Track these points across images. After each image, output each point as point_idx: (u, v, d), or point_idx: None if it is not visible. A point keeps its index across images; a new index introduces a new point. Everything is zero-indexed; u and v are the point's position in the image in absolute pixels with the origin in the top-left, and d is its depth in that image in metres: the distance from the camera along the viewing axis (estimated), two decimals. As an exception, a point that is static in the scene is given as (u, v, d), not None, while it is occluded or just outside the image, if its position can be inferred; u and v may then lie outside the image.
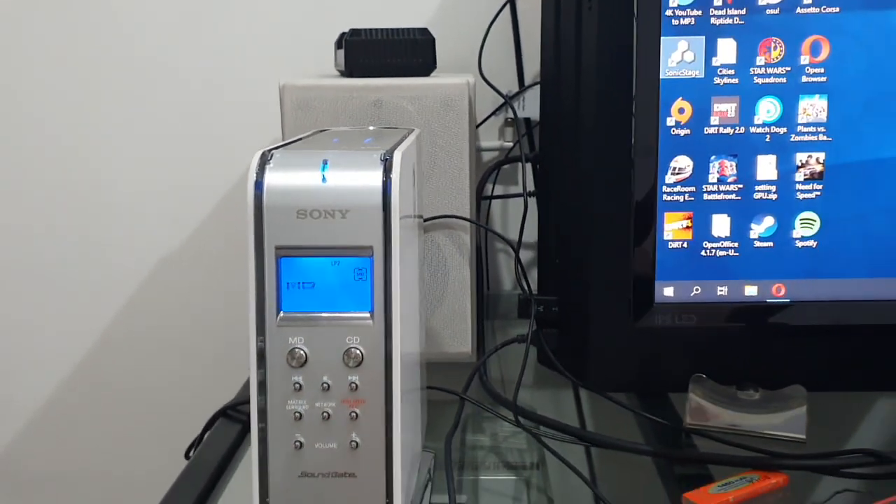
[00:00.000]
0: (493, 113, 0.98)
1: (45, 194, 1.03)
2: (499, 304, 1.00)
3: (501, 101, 0.95)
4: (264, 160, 0.46)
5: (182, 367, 1.07)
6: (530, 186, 0.92)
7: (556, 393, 0.74)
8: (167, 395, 1.08)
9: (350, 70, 0.75)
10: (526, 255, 0.99)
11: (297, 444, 0.46)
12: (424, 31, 0.76)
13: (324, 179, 0.45)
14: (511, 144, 0.98)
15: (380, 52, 0.75)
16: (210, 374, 1.07)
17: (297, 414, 0.46)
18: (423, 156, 0.72)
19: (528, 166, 0.94)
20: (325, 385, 0.45)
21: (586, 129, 0.67)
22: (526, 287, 0.78)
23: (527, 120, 0.95)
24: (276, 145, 0.48)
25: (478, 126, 0.98)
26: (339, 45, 0.77)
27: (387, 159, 0.45)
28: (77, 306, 1.06)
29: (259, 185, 0.45)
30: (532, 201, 0.87)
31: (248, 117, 1.01)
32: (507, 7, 0.95)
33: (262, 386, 0.46)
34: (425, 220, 0.73)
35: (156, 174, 1.03)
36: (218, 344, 1.06)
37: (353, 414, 0.45)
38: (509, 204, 1.03)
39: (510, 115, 0.97)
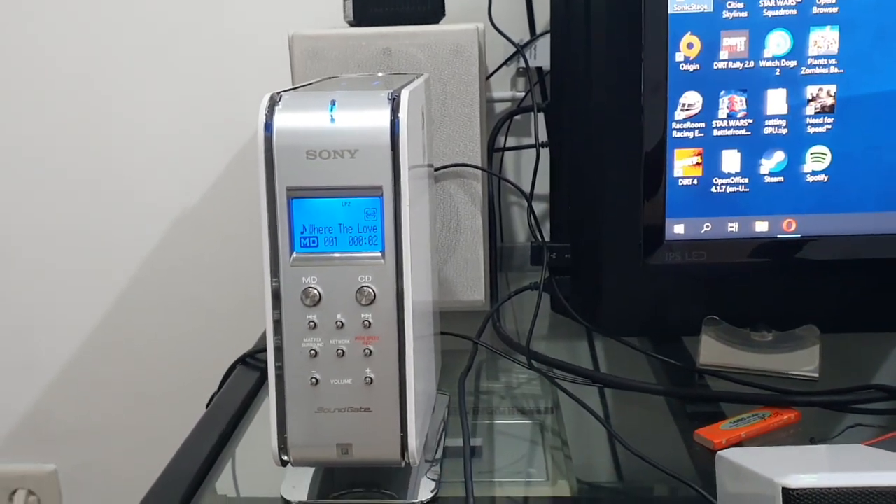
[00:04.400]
0: (505, 62, 0.97)
1: (62, 159, 1.04)
2: (513, 256, 1.01)
3: (513, 50, 0.95)
4: (273, 102, 0.46)
5: (203, 321, 1.09)
6: (543, 137, 0.91)
7: (570, 341, 0.75)
8: (188, 349, 1.10)
9: (359, 19, 0.75)
10: (539, 208, 0.99)
11: (313, 380, 0.47)
12: (432, -22, 0.75)
13: (332, 120, 0.45)
14: (523, 94, 0.98)
15: (388, 1, 0.74)
16: (230, 327, 1.09)
17: (313, 351, 0.47)
18: (434, 103, 0.72)
19: (541, 116, 0.94)
20: (338, 323, 0.46)
21: (597, 72, 0.67)
22: (538, 235, 0.78)
23: (539, 69, 0.95)
24: (285, 89, 0.49)
25: (489, 76, 0.98)
26: (347, -6, 0.77)
27: (394, 98, 0.46)
28: (97, 264, 1.08)
29: (269, 126, 0.46)
30: (545, 152, 0.87)
31: (259, 69, 1.01)
32: (517, -46, 0.94)
33: (277, 325, 0.47)
34: (437, 169, 0.74)
35: (169, 129, 1.03)
36: (238, 297, 1.07)
37: (367, 351, 0.46)
38: (522, 156, 1.03)
39: (522, 64, 0.97)
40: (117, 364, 1.11)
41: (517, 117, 0.98)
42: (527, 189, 0.83)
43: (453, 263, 0.76)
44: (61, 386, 1.13)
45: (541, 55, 0.94)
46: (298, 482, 0.52)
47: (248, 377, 0.70)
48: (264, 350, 0.71)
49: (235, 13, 0.99)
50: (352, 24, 0.77)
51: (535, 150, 0.84)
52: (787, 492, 0.35)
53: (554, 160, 0.78)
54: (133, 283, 1.09)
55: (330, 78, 0.60)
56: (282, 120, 0.46)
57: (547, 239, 0.78)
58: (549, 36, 0.78)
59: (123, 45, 1.01)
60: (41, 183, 1.05)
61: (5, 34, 1.01)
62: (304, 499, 0.51)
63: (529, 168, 1.00)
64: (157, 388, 1.12)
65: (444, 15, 0.76)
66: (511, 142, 1.01)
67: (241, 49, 1.00)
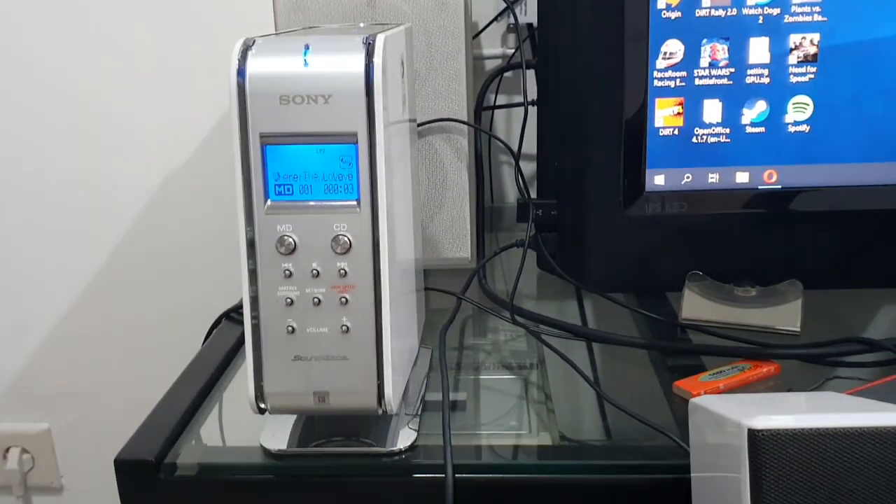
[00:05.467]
0: (495, 19, 0.96)
1: (47, 113, 1.04)
2: (502, 216, 1.01)
3: (503, 6, 0.93)
4: (246, 47, 0.46)
5: (192, 278, 1.09)
6: (533, 94, 0.90)
7: (557, 297, 0.75)
8: (177, 308, 1.10)
9: (343, -29, 0.73)
10: (528, 167, 0.99)
11: (289, 328, 0.47)
12: (417, -71, 0.74)
13: (305, 64, 0.45)
14: (513, 51, 0.97)
15: (372, -48, 0.73)
16: (217, 286, 1.08)
17: (289, 300, 0.47)
18: (419, 56, 0.71)
19: (531, 73, 0.93)
20: (314, 271, 0.46)
21: (581, 25, 0.66)
22: (525, 192, 0.78)
23: (529, 25, 0.93)
24: (260, 35, 0.48)
25: (479, 33, 0.96)
26: (331, -55, 0.76)
27: (370, 43, 0.45)
28: (86, 222, 1.08)
29: (241, 72, 0.45)
30: (533, 111, 0.86)
31: (242, 24, 0.99)
32: None
33: (252, 275, 0.47)
34: (421, 125, 0.73)
35: (151, 90, 1.02)
36: (223, 255, 1.07)
37: (343, 299, 0.46)
38: (512, 114, 1.02)
39: (512, 20, 0.95)
40: (108, 323, 1.12)
41: (507, 74, 0.97)
42: (515, 147, 0.82)
43: (439, 221, 0.76)
44: (53, 345, 1.13)
45: (531, 11, 0.93)
46: (278, 431, 0.53)
47: (231, 331, 0.70)
48: (246, 304, 0.72)
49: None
50: (336, -23, 0.76)
51: (523, 108, 0.83)
52: (752, 433, 0.35)
53: (541, 117, 0.77)
54: (122, 242, 1.09)
55: (310, 28, 0.60)
56: (255, 65, 0.45)
57: (534, 197, 0.78)
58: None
59: (104, 7, 0.99)
60: (25, 144, 1.05)
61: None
62: (284, 447, 0.51)
63: (519, 126, 0.99)
64: (148, 345, 1.12)
65: (429, -33, 0.75)
66: (501, 100, 1.00)
67: (226, 7, 0.99)
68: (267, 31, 0.97)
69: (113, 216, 1.07)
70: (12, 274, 1.10)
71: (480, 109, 0.94)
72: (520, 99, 1.00)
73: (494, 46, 0.99)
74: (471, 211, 0.76)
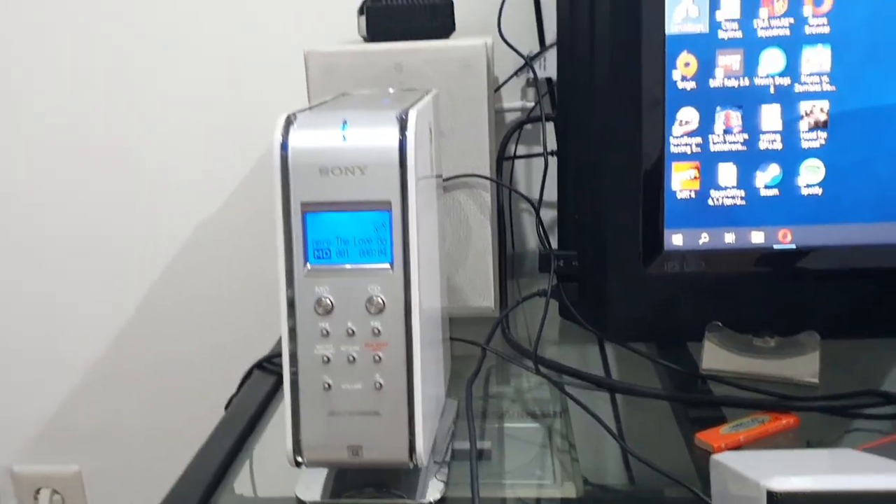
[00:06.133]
0: (515, 74, 0.99)
1: (88, 165, 1.08)
2: (523, 263, 1.02)
3: (522, 61, 0.97)
4: (289, 122, 0.49)
5: (222, 325, 1.12)
6: (552, 146, 0.93)
7: (579, 345, 0.77)
8: (207, 354, 1.13)
9: (372, 35, 0.77)
10: (549, 215, 1.01)
11: (325, 385, 0.49)
12: (443, -5, 0.77)
13: (344, 139, 0.48)
14: (532, 104, 1.00)
15: (400, 17, 0.77)
16: (247, 332, 1.11)
17: (325, 358, 0.49)
18: (443, 116, 0.74)
19: (550, 125, 0.96)
20: (349, 330, 0.49)
21: (600, 86, 0.68)
22: (546, 242, 0.80)
23: (548, 79, 0.96)
24: (300, 109, 0.51)
25: (499, 87, 1.00)
26: (360, 11, 0.80)
27: (402, 118, 0.48)
28: (121, 269, 1.11)
29: (284, 145, 0.48)
30: (553, 161, 0.89)
31: (276, 83, 1.03)
32: (526, -32, 0.96)
33: (292, 333, 0.50)
34: (446, 180, 0.76)
35: (188, 142, 1.06)
36: (256, 302, 1.10)
37: (377, 357, 0.49)
38: (532, 164, 1.05)
39: (531, 75, 0.99)
40: (140, 367, 1.14)
41: (527, 126, 1.00)
42: (536, 197, 0.84)
43: (464, 271, 0.78)
44: (85, 388, 1.16)
45: (550, 66, 0.96)
46: (312, 483, 0.54)
47: (264, 381, 0.72)
48: (280, 355, 0.74)
49: (255, 28, 1.02)
50: (365, 39, 0.80)
51: (543, 158, 0.86)
52: (771, 495, 0.36)
53: (561, 169, 0.80)
54: (155, 288, 1.11)
55: (343, 95, 0.63)
56: (296, 139, 0.48)
57: (555, 246, 0.80)
58: (557, 47, 0.80)
59: (146, 61, 1.04)
60: (67, 191, 1.09)
61: (41, 54, 1.04)
62: (318, 498, 0.53)
63: (539, 175, 1.02)
64: (179, 390, 1.15)
65: (454, 29, 0.78)
66: (521, 150, 1.03)
67: (259, 61, 1.03)
68: (298, 92, 1.01)
69: (149, 264, 1.11)
70: (48, 318, 1.13)
71: (501, 159, 0.97)
72: (538, 149, 1.03)
73: (514, 100, 1.02)
74: (494, 261, 0.78)
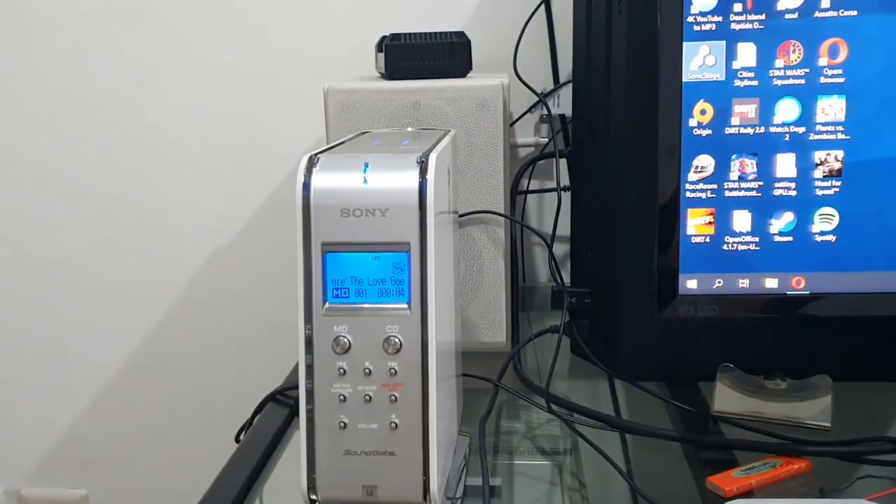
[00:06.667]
0: (529, 110, 1.00)
1: (104, 190, 1.09)
2: (535, 296, 1.03)
3: (536, 98, 0.98)
4: (311, 163, 0.49)
5: (232, 355, 1.12)
6: (565, 181, 0.94)
7: (591, 384, 0.77)
8: (218, 383, 1.13)
9: (390, 73, 0.78)
10: (561, 249, 1.02)
11: (341, 424, 0.49)
12: (461, 35, 0.79)
13: (365, 181, 0.48)
14: (546, 140, 1.01)
15: (418, 56, 0.78)
16: (258, 362, 1.12)
17: (342, 396, 0.49)
18: (459, 154, 0.75)
19: (563, 161, 0.97)
20: (366, 370, 0.49)
21: (615, 128, 0.70)
22: (559, 279, 0.81)
23: (562, 116, 0.98)
24: (321, 149, 0.52)
25: (513, 123, 1.01)
26: (379, 48, 0.81)
27: (423, 161, 0.49)
28: (131, 294, 1.12)
29: (307, 186, 0.49)
30: (566, 196, 0.89)
31: (295, 119, 1.05)
32: (542, 7, 0.97)
33: (309, 370, 0.50)
34: (461, 216, 0.77)
35: (207, 174, 1.08)
36: (266, 333, 1.10)
37: (393, 397, 0.49)
38: (545, 198, 1.06)
39: (545, 111, 1.00)
40: (149, 392, 1.15)
41: (541, 161, 1.01)
42: (548, 231, 0.85)
43: (476, 306, 0.79)
44: (94, 413, 1.16)
45: (563, 103, 0.97)
46: (325, 520, 0.55)
47: (277, 414, 0.72)
48: (294, 387, 0.74)
49: (275, 61, 1.04)
50: (383, 76, 0.81)
51: (556, 193, 0.86)
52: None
53: (575, 206, 0.81)
54: (167, 315, 1.12)
55: (363, 133, 0.64)
56: (319, 180, 0.49)
57: (568, 281, 0.80)
58: (571, 85, 0.81)
59: (164, 93, 1.06)
60: (80, 215, 1.10)
61: (59, 81, 1.06)
62: (330, 536, 0.53)
63: (552, 209, 1.03)
64: (188, 417, 1.15)
65: (471, 68, 0.80)
66: (534, 184, 1.04)
67: (277, 94, 1.05)
68: (315, 126, 1.03)
69: (161, 290, 1.12)
70: (56, 341, 1.14)
71: (515, 194, 0.98)
72: (550, 183, 1.04)
73: (528, 135, 1.03)
74: (506, 296, 0.79)
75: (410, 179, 0.48)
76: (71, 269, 1.12)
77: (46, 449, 1.18)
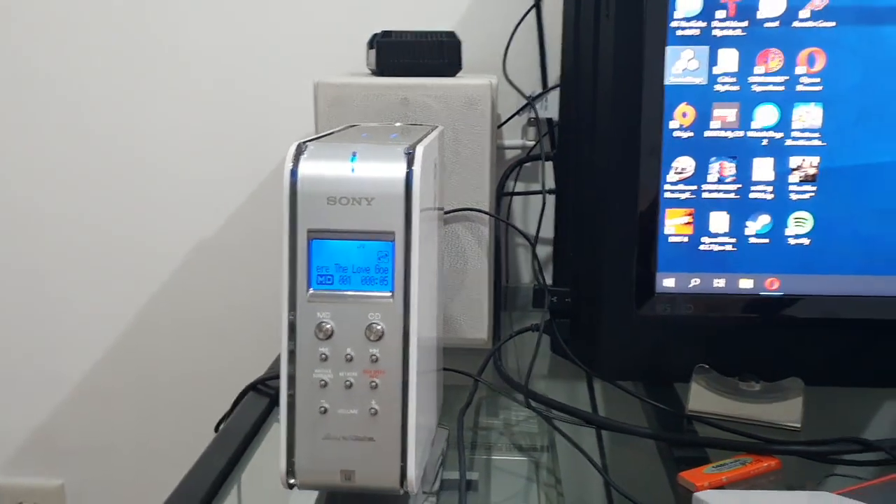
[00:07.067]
0: (517, 113, 1.01)
1: (88, 183, 1.09)
2: (517, 296, 1.04)
3: (525, 101, 0.99)
4: (299, 151, 0.50)
5: (214, 345, 1.12)
6: (550, 184, 0.95)
7: (569, 380, 0.78)
8: (199, 373, 1.13)
9: (381, 69, 0.79)
10: (544, 251, 1.03)
11: (321, 409, 0.50)
12: (451, 35, 0.80)
13: (352, 170, 0.49)
14: (533, 143, 1.02)
15: (409, 53, 0.79)
16: (240, 353, 1.12)
17: (323, 382, 0.50)
18: (446, 151, 0.76)
19: (549, 164, 0.98)
20: (348, 356, 0.50)
21: (601, 130, 0.71)
22: (541, 278, 0.82)
23: (549, 120, 0.99)
24: (310, 138, 0.53)
25: (501, 125, 1.02)
26: (370, 45, 0.82)
27: (410, 153, 0.50)
28: (114, 287, 1.12)
29: (294, 173, 0.49)
30: (551, 198, 0.91)
31: (285, 112, 1.06)
32: (533, 11, 0.99)
33: (291, 356, 0.51)
34: (447, 213, 0.78)
35: (196, 164, 1.08)
36: (248, 324, 1.10)
37: (374, 384, 0.50)
38: (530, 200, 1.07)
39: (533, 114, 1.01)
40: (127, 381, 1.14)
41: (527, 164, 1.02)
42: (532, 232, 0.86)
43: (459, 302, 0.79)
44: (72, 401, 1.16)
45: (551, 106, 0.98)
46: (301, 506, 0.55)
47: (258, 403, 0.73)
48: (275, 377, 0.75)
49: (266, 56, 1.04)
50: (374, 73, 0.82)
51: (541, 196, 0.87)
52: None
53: (559, 208, 0.82)
54: (149, 303, 1.12)
55: (351, 126, 0.65)
56: (306, 168, 0.50)
57: (549, 282, 0.81)
58: (559, 89, 0.82)
59: (154, 84, 1.06)
60: (62, 204, 1.10)
61: (46, 72, 1.06)
62: (307, 521, 0.54)
63: (537, 211, 1.04)
64: (166, 406, 1.15)
65: (461, 68, 0.81)
66: (520, 186, 1.05)
67: (268, 88, 1.05)
68: (305, 120, 1.03)
69: (143, 279, 1.11)
70: (37, 329, 1.14)
71: (501, 195, 0.99)
72: (535, 186, 1.05)
73: (515, 137, 1.04)
74: (489, 294, 0.80)
75: (397, 170, 0.49)
76: (50, 257, 1.11)
77: (22, 438, 1.17)
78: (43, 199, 1.10)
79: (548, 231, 0.89)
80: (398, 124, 0.68)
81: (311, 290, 0.50)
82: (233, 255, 1.09)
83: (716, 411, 0.68)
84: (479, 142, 0.76)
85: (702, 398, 0.69)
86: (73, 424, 1.16)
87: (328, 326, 0.50)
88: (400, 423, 0.50)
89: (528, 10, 0.98)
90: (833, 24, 0.59)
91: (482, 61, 1.00)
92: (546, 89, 1.00)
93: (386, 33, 0.79)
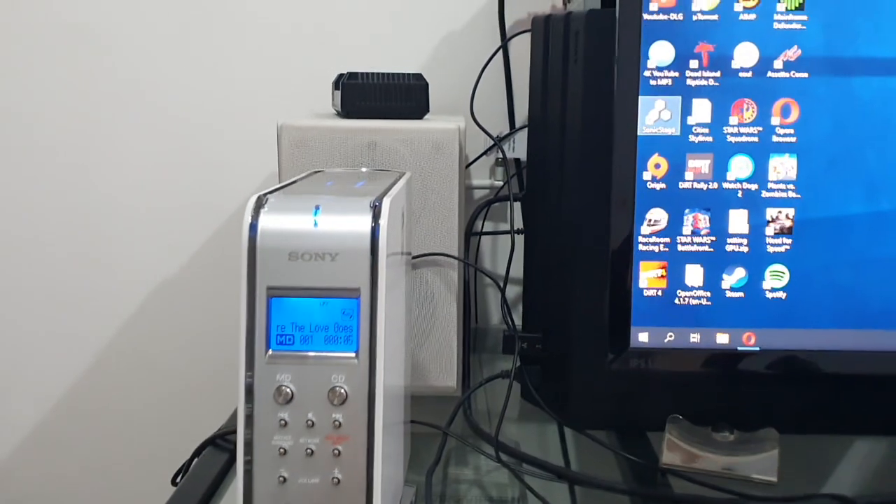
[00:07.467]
0: (484, 153, 1.00)
1: (44, 217, 1.05)
2: (486, 337, 1.02)
3: (492, 141, 0.98)
4: (259, 204, 0.48)
5: (172, 392, 1.09)
6: (519, 224, 0.94)
7: (540, 427, 0.76)
8: (157, 420, 1.10)
9: (346, 111, 0.77)
10: (513, 291, 1.02)
11: (280, 478, 0.47)
12: (419, 77, 0.78)
13: (315, 224, 0.47)
14: (501, 183, 1.01)
15: (375, 96, 0.77)
16: (200, 401, 1.08)
17: (282, 449, 0.47)
18: (414, 197, 0.74)
19: (518, 205, 0.97)
20: (309, 422, 0.47)
21: (569, 175, 0.70)
22: (510, 323, 0.80)
23: (517, 160, 0.98)
24: (271, 189, 0.51)
25: (469, 165, 1.01)
26: (336, 86, 0.80)
27: (376, 205, 0.48)
28: (71, 329, 1.08)
29: (253, 227, 0.47)
30: (520, 239, 0.89)
31: (251, 149, 1.03)
32: (500, 53, 0.98)
33: (248, 420, 0.48)
34: (414, 258, 0.76)
35: (156, 205, 1.05)
36: (209, 371, 1.08)
37: (336, 451, 0.47)
38: (498, 240, 1.05)
39: (500, 155, 1.00)
40: (84, 428, 1.10)
41: (495, 204, 1.01)
42: (502, 273, 0.84)
43: (427, 349, 0.77)
44: (21, 449, 1.11)
45: (518, 147, 0.97)
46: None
47: (216, 459, 0.70)
48: (232, 432, 0.72)
49: (228, 96, 1.02)
50: (339, 114, 0.80)
51: (510, 236, 0.86)
52: None
53: (528, 251, 0.80)
54: (105, 349, 1.08)
55: (316, 172, 0.63)
56: (266, 221, 0.47)
57: (519, 323, 0.80)
58: (526, 130, 0.81)
59: (113, 124, 1.03)
60: (22, 246, 1.06)
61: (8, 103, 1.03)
62: None
63: (504, 251, 1.02)
64: (124, 456, 1.11)
65: (428, 110, 0.79)
66: (488, 226, 1.04)
67: (229, 129, 1.03)
68: (267, 163, 1.01)
69: (101, 327, 1.08)
70: (-10, 376, 1.09)
71: (469, 235, 0.97)
72: (504, 225, 1.04)
73: (483, 177, 1.03)
74: (458, 339, 0.78)
75: (362, 224, 0.47)
76: (6, 299, 1.07)
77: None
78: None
79: (517, 271, 0.88)
80: (364, 170, 0.67)
81: (269, 351, 0.47)
82: (193, 301, 1.06)
83: (690, 464, 0.66)
84: (448, 186, 0.75)
85: (675, 451, 0.67)
86: (23, 474, 1.11)
87: (287, 390, 0.47)
88: (365, 493, 0.47)
89: (496, 51, 0.97)
90: (806, 74, 0.58)
91: (450, 102, 0.98)
92: (513, 130, 0.99)
93: (352, 75, 0.78)
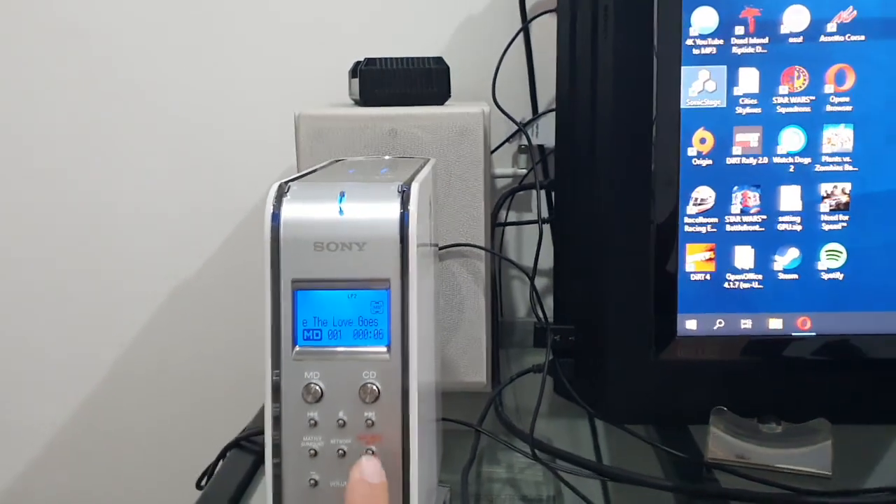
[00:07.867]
0: (507, 140, 0.97)
1: (58, 224, 1.04)
2: (514, 331, 0.99)
3: (515, 127, 0.95)
4: (281, 192, 0.45)
5: (195, 395, 1.07)
6: (544, 213, 0.91)
7: (571, 423, 0.74)
8: (180, 424, 1.08)
9: (365, 99, 0.75)
10: (541, 282, 0.98)
11: (311, 482, 0.45)
12: (439, 60, 0.75)
13: (341, 212, 0.44)
14: (525, 171, 0.98)
15: (394, 82, 0.74)
16: (222, 404, 1.06)
17: (312, 451, 0.45)
18: (439, 185, 0.72)
19: (542, 193, 0.94)
20: (340, 421, 0.44)
21: (602, 158, 0.66)
22: (542, 316, 0.77)
23: (541, 147, 0.95)
24: (292, 177, 0.48)
25: (493, 151, 0.98)
26: (353, 74, 0.77)
27: (404, 191, 0.45)
28: (91, 334, 1.06)
29: (276, 217, 0.44)
30: (546, 228, 0.86)
31: (265, 146, 1.01)
32: (521, 35, 0.95)
33: (276, 421, 0.45)
34: (441, 249, 0.73)
35: (172, 202, 1.03)
36: (230, 372, 1.05)
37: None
38: (524, 230, 1.02)
39: (524, 141, 0.97)
40: (105, 433, 1.09)
41: (520, 193, 0.98)
42: (529, 265, 0.82)
43: (455, 343, 0.75)
44: (40, 458, 1.10)
45: (543, 133, 0.94)
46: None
47: (242, 461, 0.68)
48: (258, 433, 0.69)
49: (244, 87, 1.00)
50: (357, 103, 0.77)
51: (537, 225, 0.83)
52: None
53: (557, 238, 0.77)
54: (124, 352, 1.07)
55: (337, 161, 0.60)
56: (289, 211, 0.44)
57: (550, 316, 0.77)
58: (551, 115, 0.78)
59: (129, 119, 1.01)
60: (38, 250, 1.04)
61: (20, 111, 1.01)
62: None
63: (531, 241, 0.99)
64: (146, 460, 1.09)
65: (449, 96, 0.76)
66: (513, 216, 1.01)
67: (247, 121, 1.01)
68: (286, 154, 0.99)
69: (116, 329, 1.06)
70: (9, 380, 1.08)
71: (494, 226, 0.94)
72: (529, 215, 1.01)
73: (506, 166, 1.00)
74: (487, 333, 0.75)
75: (391, 210, 0.44)
76: (15, 305, 1.06)
77: (-7, 496, 1.11)
78: (6, 243, 1.04)
79: (545, 262, 0.85)
80: (387, 157, 0.64)
81: (297, 347, 0.45)
82: (213, 300, 1.04)
83: (737, 458, 0.63)
84: (473, 173, 0.72)
85: (721, 444, 0.64)
86: (43, 482, 1.10)
87: (317, 388, 0.44)
88: (401, 495, 0.45)
89: (518, 33, 0.94)
90: (862, 37, 0.55)
91: (471, 87, 0.95)
92: (537, 115, 0.96)
93: (370, 61, 0.75)
